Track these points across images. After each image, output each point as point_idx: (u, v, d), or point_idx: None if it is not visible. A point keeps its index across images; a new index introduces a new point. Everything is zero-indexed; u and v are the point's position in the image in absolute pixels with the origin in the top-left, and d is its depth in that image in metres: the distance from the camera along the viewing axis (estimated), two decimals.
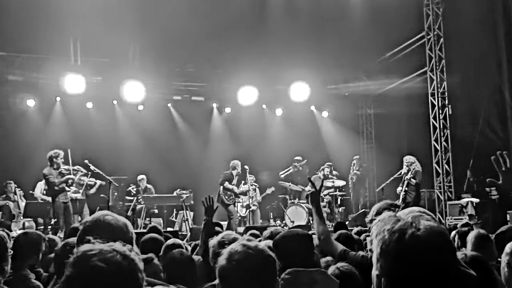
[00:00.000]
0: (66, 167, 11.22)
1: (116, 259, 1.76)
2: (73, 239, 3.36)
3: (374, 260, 1.64)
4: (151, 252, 4.35)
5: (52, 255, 5.79)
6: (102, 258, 1.74)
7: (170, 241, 5.10)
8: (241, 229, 11.89)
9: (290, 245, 3.23)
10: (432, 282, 1.52)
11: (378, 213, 3.65)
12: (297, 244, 3.25)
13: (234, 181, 12.81)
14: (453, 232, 5.82)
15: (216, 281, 2.33)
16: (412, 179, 11.74)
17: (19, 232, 8.79)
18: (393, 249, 1.55)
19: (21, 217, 12.32)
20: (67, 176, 11.01)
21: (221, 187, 12.57)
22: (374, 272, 1.63)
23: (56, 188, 10.80)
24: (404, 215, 1.63)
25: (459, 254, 3.91)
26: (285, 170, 14.58)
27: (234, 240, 3.51)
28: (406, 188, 11.80)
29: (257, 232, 6.52)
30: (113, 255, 1.76)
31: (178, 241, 5.31)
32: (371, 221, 3.69)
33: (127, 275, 1.76)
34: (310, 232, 3.95)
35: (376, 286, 1.63)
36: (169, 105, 17.02)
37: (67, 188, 11.15)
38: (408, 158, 12.05)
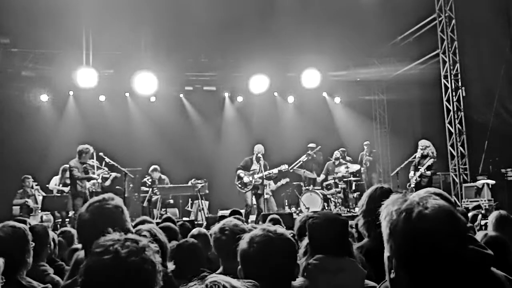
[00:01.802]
0: (91, 162, 11.38)
1: (141, 255, 1.79)
2: None
3: (384, 242, 1.62)
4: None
5: (74, 246, 5.89)
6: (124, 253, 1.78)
7: (195, 231, 5.14)
8: (252, 217, 11.90)
9: (324, 230, 3.09)
10: (441, 261, 1.51)
11: (367, 198, 3.66)
12: (331, 230, 3.09)
13: (255, 166, 12.39)
14: (472, 213, 5.76)
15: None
16: (427, 171, 11.68)
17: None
18: (401, 228, 1.54)
19: (39, 211, 12.46)
20: (92, 176, 11.24)
21: (236, 176, 12.48)
22: (386, 254, 1.62)
23: (78, 182, 10.97)
24: (413, 195, 1.62)
25: (480, 234, 3.90)
26: (297, 162, 14.48)
27: (235, 226, 3.54)
28: (422, 174, 11.75)
29: (277, 217, 6.53)
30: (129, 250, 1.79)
31: (203, 230, 5.34)
32: (362, 205, 3.70)
33: (138, 271, 1.79)
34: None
35: (388, 268, 1.62)
36: (181, 95, 17.07)
37: (88, 184, 11.31)
38: (422, 142, 11.98)
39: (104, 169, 11.95)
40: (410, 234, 1.53)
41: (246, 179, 12.23)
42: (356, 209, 13.38)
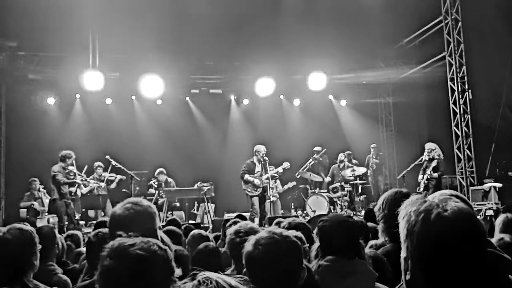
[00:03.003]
0: (72, 168, 11.48)
1: (154, 249, 1.82)
2: (105, 229, 3.40)
3: (402, 242, 1.61)
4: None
5: (79, 249, 5.90)
6: (142, 247, 1.81)
7: (196, 231, 5.15)
8: (257, 220, 11.86)
9: (335, 232, 3.07)
10: (459, 264, 1.48)
11: (387, 202, 3.62)
12: (343, 232, 3.07)
13: (258, 168, 12.36)
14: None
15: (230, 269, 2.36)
16: (433, 173, 11.64)
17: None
18: (419, 230, 1.52)
19: (46, 214, 12.51)
20: (75, 181, 11.51)
21: (242, 181, 12.38)
22: (402, 255, 1.61)
23: (61, 187, 11.07)
24: (432, 197, 1.61)
25: (495, 239, 3.86)
26: (304, 166, 14.46)
27: (250, 229, 3.55)
28: (429, 176, 11.71)
29: (283, 220, 6.52)
30: (150, 245, 1.82)
31: (203, 232, 5.35)
32: (379, 210, 3.66)
33: (164, 263, 1.81)
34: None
35: (403, 269, 1.60)
36: (187, 98, 17.08)
37: (73, 189, 11.44)
38: (429, 145, 11.96)
39: (83, 176, 12.11)
40: (428, 236, 1.51)
41: (257, 182, 12.21)
42: (363, 212, 13.35)
